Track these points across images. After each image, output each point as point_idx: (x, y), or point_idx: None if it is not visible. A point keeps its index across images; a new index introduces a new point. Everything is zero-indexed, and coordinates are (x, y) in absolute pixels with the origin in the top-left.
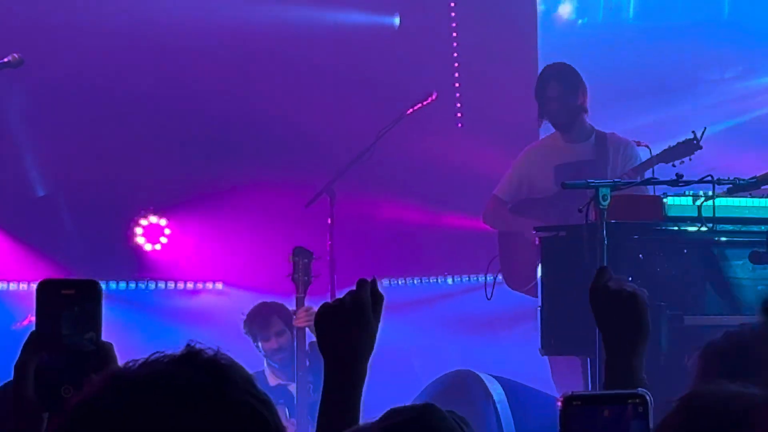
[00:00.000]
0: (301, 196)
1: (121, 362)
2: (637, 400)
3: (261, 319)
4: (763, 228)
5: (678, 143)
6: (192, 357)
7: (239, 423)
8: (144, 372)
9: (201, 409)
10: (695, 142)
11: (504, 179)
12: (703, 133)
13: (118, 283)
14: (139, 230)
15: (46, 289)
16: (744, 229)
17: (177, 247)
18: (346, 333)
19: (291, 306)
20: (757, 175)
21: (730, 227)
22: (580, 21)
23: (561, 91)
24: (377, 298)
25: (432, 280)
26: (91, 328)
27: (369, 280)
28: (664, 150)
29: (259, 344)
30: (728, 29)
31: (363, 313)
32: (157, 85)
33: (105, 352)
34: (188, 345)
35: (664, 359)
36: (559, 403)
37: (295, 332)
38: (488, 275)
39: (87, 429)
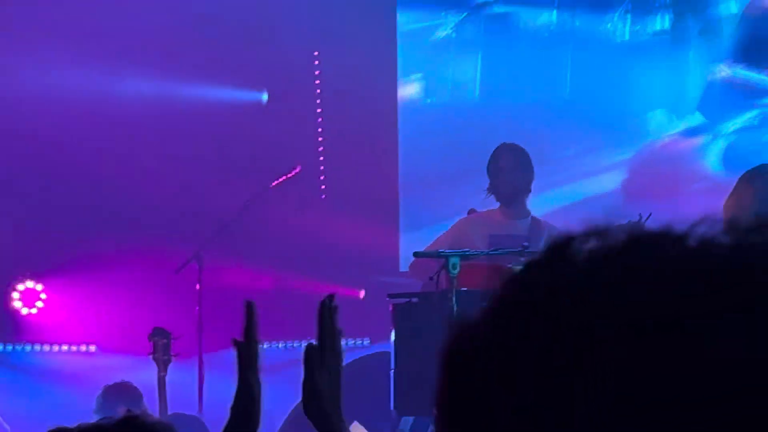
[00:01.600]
0: (172, 262)
1: None
2: None
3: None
4: None
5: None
6: (128, 419)
7: None
8: (85, 427)
9: None
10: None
11: (434, 243)
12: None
13: None
14: (15, 294)
15: None
16: None
17: (52, 311)
18: None
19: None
20: None
21: None
22: (428, 100)
23: (512, 164)
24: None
25: (296, 344)
26: None
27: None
28: None
29: None
30: (569, 109)
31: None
32: (30, 151)
33: None
34: (129, 410)
35: None
36: None
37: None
38: None
39: None
